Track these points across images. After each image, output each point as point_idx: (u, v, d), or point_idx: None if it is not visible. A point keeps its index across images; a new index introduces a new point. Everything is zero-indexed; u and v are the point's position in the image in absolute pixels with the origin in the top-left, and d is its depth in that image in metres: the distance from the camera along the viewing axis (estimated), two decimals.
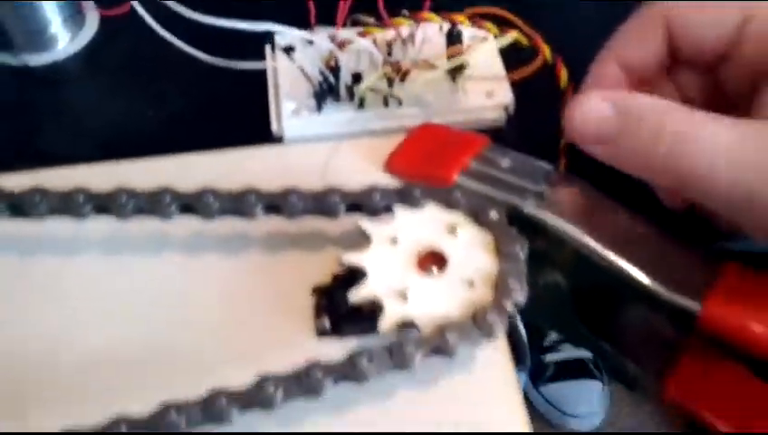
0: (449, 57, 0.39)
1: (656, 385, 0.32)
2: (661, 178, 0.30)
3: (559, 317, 0.35)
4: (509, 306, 0.29)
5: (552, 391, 1.12)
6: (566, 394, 1.12)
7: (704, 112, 0.28)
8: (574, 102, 0.31)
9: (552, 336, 1.15)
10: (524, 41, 0.37)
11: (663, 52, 0.33)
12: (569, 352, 1.13)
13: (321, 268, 0.33)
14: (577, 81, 0.37)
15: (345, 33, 0.39)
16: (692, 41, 0.32)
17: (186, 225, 0.33)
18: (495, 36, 0.38)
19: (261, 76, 0.40)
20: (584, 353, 1.14)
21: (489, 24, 0.38)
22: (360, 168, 0.36)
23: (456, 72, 0.39)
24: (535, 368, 1.13)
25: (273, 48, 0.40)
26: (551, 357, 1.14)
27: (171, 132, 0.40)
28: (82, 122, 0.41)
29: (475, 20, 0.39)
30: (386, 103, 0.39)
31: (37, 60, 0.43)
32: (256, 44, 0.40)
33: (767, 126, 0.28)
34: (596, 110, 0.30)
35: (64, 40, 0.43)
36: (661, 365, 0.32)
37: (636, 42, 0.33)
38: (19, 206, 0.31)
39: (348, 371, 0.28)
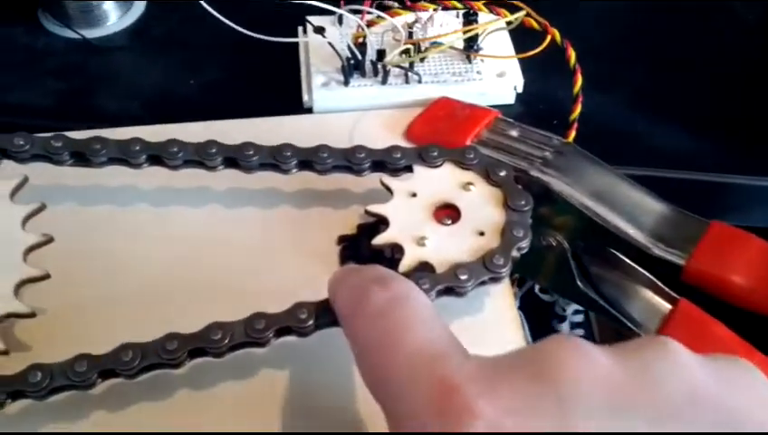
0: (464, 34, 0.43)
1: None
2: None
3: (559, 276, 0.39)
4: (514, 251, 0.32)
5: None
6: None
7: None
8: None
9: None
10: (536, 25, 0.41)
11: None
12: None
13: (346, 221, 0.37)
14: (582, 63, 0.40)
15: (372, 14, 0.43)
16: None
17: (228, 178, 0.37)
18: (508, 21, 0.42)
19: (294, 51, 0.44)
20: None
21: (503, 10, 0.42)
22: (383, 135, 0.40)
23: (470, 53, 0.43)
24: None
25: (305, 26, 0.44)
26: None
27: (210, 100, 0.44)
28: (131, 88, 0.45)
29: (490, 6, 0.42)
30: (407, 80, 0.43)
31: (91, 33, 0.47)
32: (290, 21, 0.44)
33: None
34: None
35: (116, 16, 0.48)
36: (653, 321, 0.36)
37: None
38: (82, 154, 0.35)
39: None
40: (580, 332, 0.52)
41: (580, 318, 0.53)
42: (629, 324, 0.36)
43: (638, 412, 0.20)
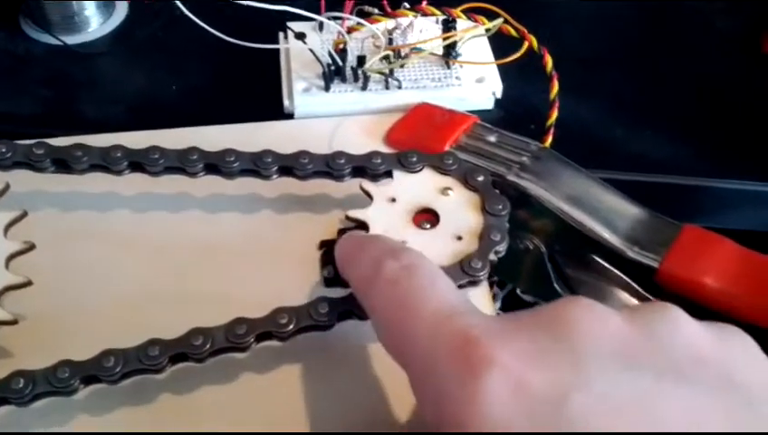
0: (444, 41, 0.43)
1: None
2: None
3: (537, 278, 0.39)
4: (492, 255, 0.33)
5: None
6: None
7: None
8: None
9: None
10: (513, 32, 0.42)
11: None
12: None
13: (326, 226, 0.37)
14: (559, 69, 0.41)
15: (352, 21, 0.43)
16: None
17: (208, 185, 0.37)
18: (486, 28, 0.42)
19: (275, 57, 0.44)
20: None
21: (481, 17, 0.43)
22: (363, 141, 0.41)
23: (449, 60, 0.44)
24: None
25: (286, 32, 0.45)
26: None
27: (192, 105, 0.45)
28: (112, 94, 0.45)
29: (469, 14, 0.43)
30: (387, 85, 0.43)
31: (73, 39, 0.47)
32: (271, 27, 0.44)
33: None
34: None
35: (97, 22, 0.48)
36: None
37: None
38: (63, 161, 0.35)
39: (349, 307, 0.32)
40: None
41: None
42: None
43: (645, 367, 0.21)
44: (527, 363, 0.21)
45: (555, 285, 0.38)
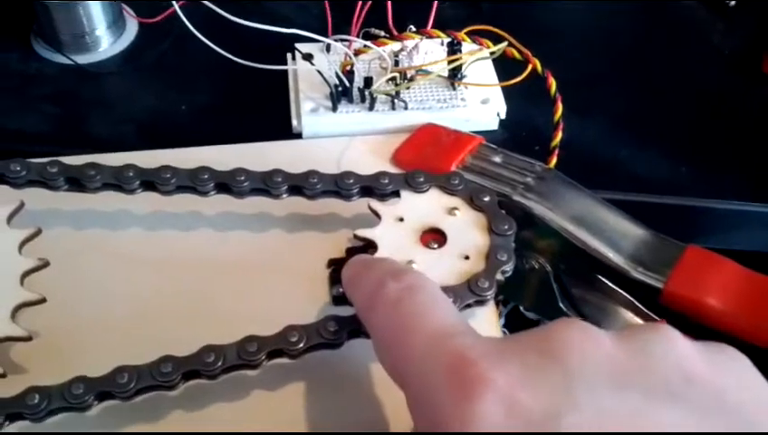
0: (449, 63, 0.44)
1: None
2: None
3: (542, 297, 0.40)
4: (499, 274, 0.33)
5: None
6: None
7: None
8: None
9: None
10: (517, 55, 0.42)
11: None
12: None
13: (335, 245, 0.38)
14: (561, 90, 0.42)
15: (358, 43, 0.44)
16: None
17: (218, 204, 0.38)
18: (491, 51, 0.43)
19: (283, 77, 0.45)
20: None
21: (485, 40, 0.43)
22: (370, 160, 0.41)
23: (455, 81, 0.45)
24: None
25: (293, 53, 0.46)
26: None
27: (201, 125, 0.45)
28: (123, 113, 0.46)
29: (473, 37, 0.44)
30: (393, 106, 0.44)
31: (84, 59, 0.48)
32: (280, 48, 0.45)
33: None
34: None
35: (108, 42, 0.49)
36: None
37: None
38: (76, 179, 0.36)
39: (358, 325, 0.32)
40: None
41: None
42: None
43: (637, 386, 0.22)
44: (521, 384, 0.22)
45: (561, 305, 0.39)
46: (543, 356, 0.22)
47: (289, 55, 0.46)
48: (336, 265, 0.37)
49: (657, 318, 0.37)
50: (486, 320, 0.35)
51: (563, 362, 0.22)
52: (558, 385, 0.22)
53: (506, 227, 0.35)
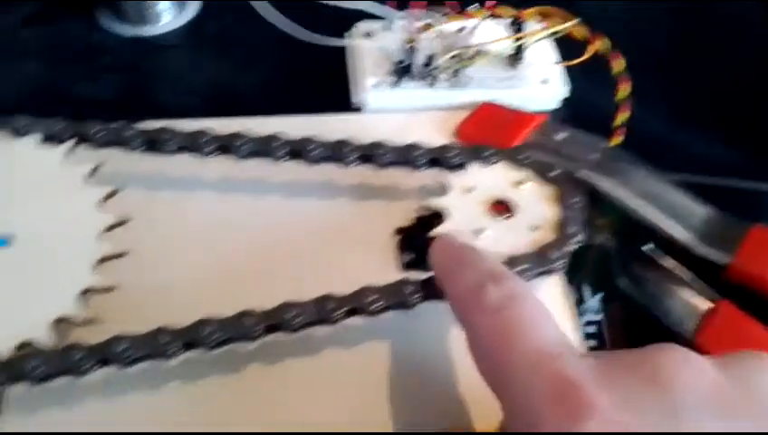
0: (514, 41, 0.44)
1: (687, 343, 0.37)
2: None
3: (599, 274, 0.40)
4: (569, 245, 0.34)
5: None
6: None
7: None
8: None
9: None
10: (580, 34, 0.43)
11: None
12: None
13: (401, 214, 0.38)
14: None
15: (422, 20, 0.44)
16: None
17: (289, 171, 0.38)
18: (556, 30, 0.43)
19: (340, 53, 0.46)
20: None
21: (549, 20, 0.44)
22: (433, 135, 0.42)
23: (516, 60, 0.45)
24: None
25: (354, 29, 0.46)
26: None
27: (260, 98, 0.46)
28: (184, 85, 0.46)
29: (537, 16, 0.44)
30: (454, 84, 0.44)
31: (147, 31, 0.49)
32: (340, 24, 0.46)
33: None
34: None
35: (170, 15, 0.50)
36: (692, 319, 0.37)
37: None
38: (154, 141, 0.36)
39: (429, 291, 0.32)
40: (593, 342, 0.53)
41: (592, 329, 0.54)
42: (667, 322, 0.37)
43: (742, 416, 0.22)
44: (627, 412, 0.22)
45: (618, 282, 0.39)
46: (648, 382, 0.23)
47: (351, 30, 0.46)
48: (404, 234, 0.37)
49: (718, 296, 0.37)
50: (553, 291, 0.36)
51: (669, 389, 0.22)
52: (663, 411, 0.22)
53: (576, 199, 0.35)
